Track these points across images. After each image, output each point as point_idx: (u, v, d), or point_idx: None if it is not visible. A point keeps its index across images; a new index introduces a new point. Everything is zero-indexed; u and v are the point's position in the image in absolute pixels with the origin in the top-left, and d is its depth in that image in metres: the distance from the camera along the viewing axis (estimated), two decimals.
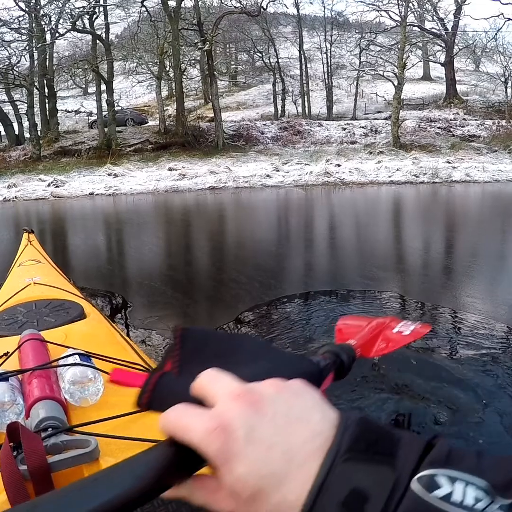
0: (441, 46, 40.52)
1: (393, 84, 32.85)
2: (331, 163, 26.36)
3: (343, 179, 23.88)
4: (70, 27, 31.93)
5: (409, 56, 35.51)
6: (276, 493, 0.40)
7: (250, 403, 0.43)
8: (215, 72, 34.56)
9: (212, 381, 0.47)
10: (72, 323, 1.87)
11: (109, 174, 26.01)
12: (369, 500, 0.37)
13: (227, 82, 51.20)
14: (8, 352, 1.43)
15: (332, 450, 0.40)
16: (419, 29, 39.39)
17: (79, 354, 1.28)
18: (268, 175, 24.68)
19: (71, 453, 0.94)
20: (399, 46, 33.09)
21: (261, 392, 0.45)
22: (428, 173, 23.84)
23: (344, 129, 34.72)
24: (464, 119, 35.45)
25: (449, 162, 26.55)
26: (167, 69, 38.11)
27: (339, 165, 25.99)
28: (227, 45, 49.71)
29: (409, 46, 35.17)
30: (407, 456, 0.39)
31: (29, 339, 1.42)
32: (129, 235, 12.23)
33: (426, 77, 49.57)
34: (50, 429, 0.99)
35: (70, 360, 1.24)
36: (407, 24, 33.90)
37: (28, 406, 1.08)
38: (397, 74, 32.04)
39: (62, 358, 1.26)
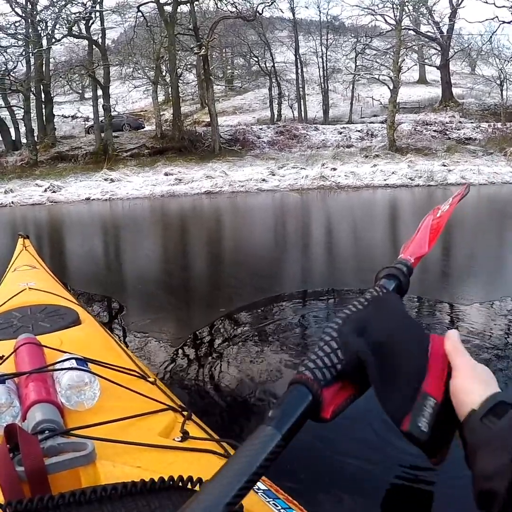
0: (436, 49, 40.61)
1: (389, 88, 32.92)
2: (326, 167, 26.36)
3: (339, 182, 23.91)
4: (66, 32, 31.97)
5: (404, 59, 35.56)
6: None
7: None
8: (211, 77, 34.54)
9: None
10: (67, 329, 1.86)
11: (105, 179, 25.98)
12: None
13: (224, 87, 51.14)
14: (3, 356, 1.43)
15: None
16: (414, 33, 39.50)
17: (75, 358, 1.28)
18: (264, 179, 24.71)
19: (68, 455, 0.93)
20: (394, 49, 33.14)
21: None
22: (424, 176, 23.88)
23: (340, 133, 34.73)
24: (460, 122, 35.49)
25: (445, 165, 26.58)
26: (164, 74, 38.09)
27: (334, 169, 26.01)
28: (223, 50, 49.80)
29: (405, 49, 35.15)
30: None
31: (25, 343, 1.43)
32: (125, 240, 12.22)
33: (422, 80, 49.56)
34: (47, 432, 0.99)
35: (67, 364, 1.24)
36: (403, 27, 33.94)
37: (25, 409, 1.08)
38: (393, 77, 32.10)
39: (59, 362, 1.27)
